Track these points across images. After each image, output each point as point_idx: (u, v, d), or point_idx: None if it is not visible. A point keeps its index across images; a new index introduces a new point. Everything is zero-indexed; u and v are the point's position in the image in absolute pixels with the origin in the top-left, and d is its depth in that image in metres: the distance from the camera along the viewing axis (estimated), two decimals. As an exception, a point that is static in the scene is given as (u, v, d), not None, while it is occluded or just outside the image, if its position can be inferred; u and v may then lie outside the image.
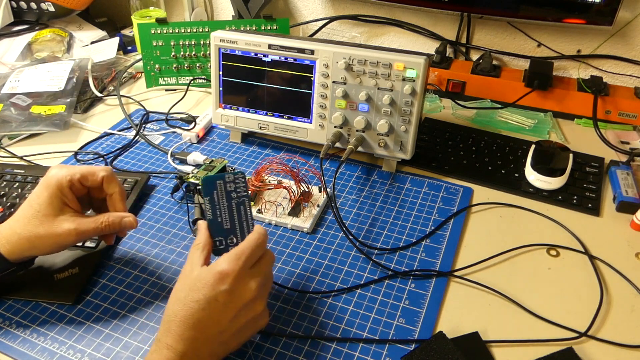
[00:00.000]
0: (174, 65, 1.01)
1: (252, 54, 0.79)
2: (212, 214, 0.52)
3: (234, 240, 0.54)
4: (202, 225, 0.53)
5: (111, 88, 1.02)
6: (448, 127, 0.90)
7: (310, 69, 0.77)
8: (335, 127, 0.78)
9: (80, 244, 0.65)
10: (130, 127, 0.90)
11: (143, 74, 1.05)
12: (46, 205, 0.55)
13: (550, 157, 0.79)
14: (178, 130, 0.89)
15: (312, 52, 0.75)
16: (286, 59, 0.77)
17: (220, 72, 0.82)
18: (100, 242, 0.65)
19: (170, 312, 0.48)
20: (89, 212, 0.62)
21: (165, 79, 1.02)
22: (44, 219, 0.54)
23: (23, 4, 1.13)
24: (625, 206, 0.72)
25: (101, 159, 0.83)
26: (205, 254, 0.51)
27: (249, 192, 0.53)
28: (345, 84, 0.75)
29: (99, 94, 0.98)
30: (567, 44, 0.99)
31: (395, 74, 0.72)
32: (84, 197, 0.60)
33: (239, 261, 0.48)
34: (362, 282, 0.62)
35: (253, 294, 0.49)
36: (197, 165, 0.79)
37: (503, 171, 0.80)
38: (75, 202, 0.57)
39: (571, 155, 0.79)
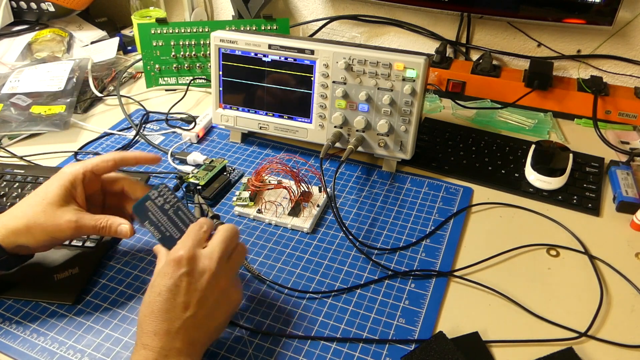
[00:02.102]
0: (174, 65, 1.01)
1: (252, 54, 0.79)
2: (159, 232, 0.54)
3: None
4: (158, 248, 0.54)
5: (111, 88, 1.02)
6: (448, 127, 0.90)
7: (310, 69, 0.77)
8: (335, 127, 0.78)
9: (80, 243, 0.65)
10: (130, 127, 0.90)
11: (143, 74, 1.05)
12: (53, 194, 0.55)
13: (550, 157, 0.79)
14: (178, 130, 0.89)
15: (312, 52, 0.75)
16: (286, 59, 0.77)
17: (220, 72, 0.82)
18: (100, 241, 0.65)
19: (140, 316, 0.48)
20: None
21: (165, 79, 1.02)
22: (48, 207, 0.54)
23: (23, 4, 1.13)
24: (625, 206, 0.72)
25: (101, 159, 0.83)
26: None
27: (176, 195, 0.56)
28: (345, 84, 0.75)
29: (99, 94, 0.98)
30: (567, 44, 0.99)
31: (395, 74, 0.72)
32: (97, 194, 0.60)
33: (187, 243, 0.50)
34: (362, 282, 0.62)
35: (212, 269, 0.49)
36: (197, 165, 0.79)
37: (503, 171, 0.80)
38: (82, 199, 0.57)
39: (571, 155, 0.79)
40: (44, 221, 0.54)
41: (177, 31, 0.99)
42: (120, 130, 0.90)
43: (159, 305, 0.47)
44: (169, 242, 0.54)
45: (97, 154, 0.84)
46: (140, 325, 0.48)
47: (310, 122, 0.80)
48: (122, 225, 0.57)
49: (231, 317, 0.54)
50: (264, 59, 0.78)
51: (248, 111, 0.83)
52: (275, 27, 1.01)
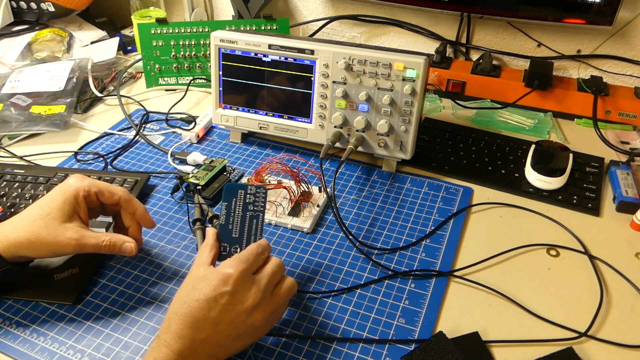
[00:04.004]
0: (174, 65, 1.01)
1: (252, 54, 0.79)
2: (225, 219, 0.54)
3: (238, 249, 0.55)
4: (210, 230, 0.54)
5: (111, 88, 1.02)
6: (448, 127, 0.90)
7: (310, 69, 0.77)
8: (335, 127, 0.78)
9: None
10: (130, 127, 0.90)
11: (143, 74, 1.05)
12: (57, 209, 0.55)
13: (550, 157, 0.79)
14: (178, 130, 0.89)
15: (312, 52, 0.75)
16: (286, 59, 0.77)
17: (220, 72, 0.82)
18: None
19: (171, 310, 0.48)
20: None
21: (165, 79, 1.02)
22: (51, 222, 0.54)
23: (23, 4, 1.13)
24: (625, 206, 0.72)
25: (101, 159, 0.83)
26: (213, 255, 0.52)
27: (265, 205, 0.55)
28: (345, 84, 0.75)
29: (99, 94, 0.98)
30: (567, 44, 0.99)
31: (395, 74, 0.72)
32: (97, 207, 0.60)
33: (242, 264, 0.49)
34: (362, 282, 0.62)
35: (254, 300, 0.49)
36: (197, 165, 0.79)
37: (503, 171, 0.80)
38: (85, 213, 0.57)
39: (571, 155, 0.79)
40: (46, 236, 0.54)
41: (177, 31, 0.99)
42: (120, 130, 0.90)
43: (192, 310, 0.47)
44: (225, 234, 0.53)
45: (97, 154, 0.84)
46: (168, 320, 0.48)
47: (310, 122, 0.80)
48: (126, 243, 0.57)
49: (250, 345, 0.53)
50: (264, 59, 0.78)
51: (248, 111, 0.83)
52: (275, 27, 1.01)
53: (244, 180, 0.77)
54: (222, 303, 0.47)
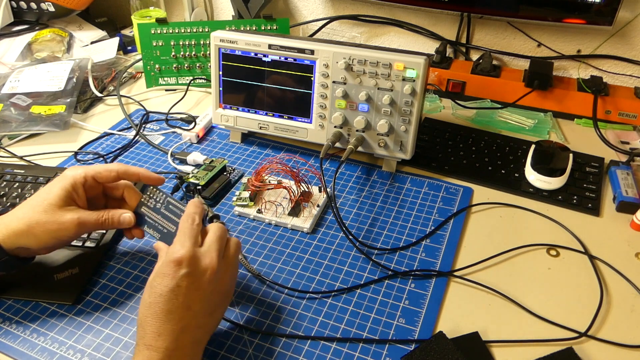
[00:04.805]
0: (174, 65, 1.01)
1: (252, 54, 0.79)
2: (158, 232, 0.56)
3: None
4: (158, 245, 0.55)
5: (111, 88, 1.02)
6: (448, 127, 0.90)
7: (310, 69, 0.77)
8: (335, 127, 0.78)
9: (80, 243, 0.65)
10: (130, 127, 0.90)
11: (143, 74, 1.05)
12: (54, 195, 0.55)
13: (550, 157, 0.79)
14: (178, 130, 0.89)
15: (312, 52, 0.75)
16: (286, 59, 0.77)
17: (220, 72, 0.82)
18: (100, 241, 0.65)
19: (140, 316, 0.48)
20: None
21: (165, 79, 1.02)
22: (49, 207, 0.54)
23: (23, 4, 1.13)
24: (625, 206, 0.72)
25: (101, 159, 0.83)
26: None
27: (164, 191, 0.59)
28: (345, 84, 0.75)
29: (99, 94, 0.98)
30: (567, 44, 0.99)
31: (395, 74, 0.72)
32: (99, 197, 0.60)
33: (185, 243, 0.50)
34: (362, 282, 0.62)
35: (212, 268, 0.50)
36: (197, 165, 0.79)
37: (503, 171, 0.80)
38: (83, 202, 0.58)
39: (571, 155, 0.79)
40: (46, 221, 0.54)
41: (177, 31, 0.99)
42: (120, 130, 0.90)
43: (161, 306, 0.47)
44: (168, 238, 0.55)
45: (97, 154, 0.84)
46: (142, 326, 0.47)
47: (310, 122, 0.80)
48: (124, 214, 0.58)
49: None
50: (264, 59, 0.78)
51: (248, 111, 0.83)
52: (275, 27, 1.01)
53: (243, 180, 0.77)
54: (185, 285, 0.48)
